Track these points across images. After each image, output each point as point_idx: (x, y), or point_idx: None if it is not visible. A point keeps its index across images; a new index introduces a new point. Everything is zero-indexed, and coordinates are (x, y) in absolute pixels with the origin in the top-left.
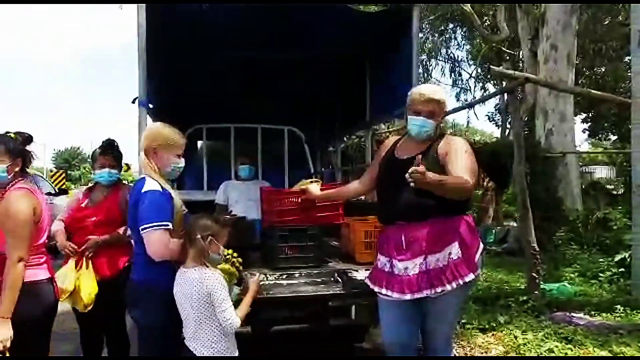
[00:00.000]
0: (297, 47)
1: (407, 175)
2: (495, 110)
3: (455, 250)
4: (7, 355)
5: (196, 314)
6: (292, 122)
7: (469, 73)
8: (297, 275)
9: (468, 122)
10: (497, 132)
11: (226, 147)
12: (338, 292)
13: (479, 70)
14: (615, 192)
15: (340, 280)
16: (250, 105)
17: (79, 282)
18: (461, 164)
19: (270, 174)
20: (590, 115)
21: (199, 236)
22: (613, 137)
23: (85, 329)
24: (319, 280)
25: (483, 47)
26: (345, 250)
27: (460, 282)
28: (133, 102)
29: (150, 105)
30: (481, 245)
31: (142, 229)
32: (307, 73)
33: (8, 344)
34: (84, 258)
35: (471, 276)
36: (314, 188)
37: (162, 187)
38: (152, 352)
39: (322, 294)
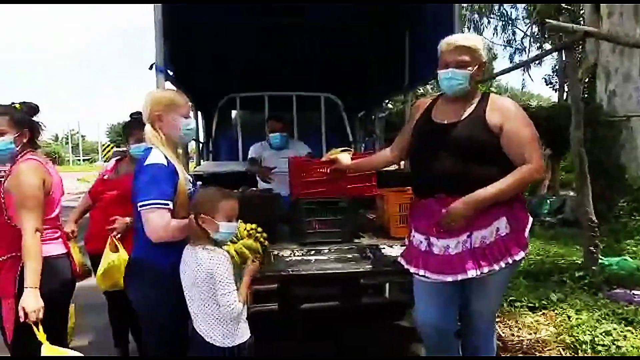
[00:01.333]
0: (332, 11)
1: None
2: (553, 72)
3: (503, 225)
4: (40, 326)
5: (200, 295)
6: (329, 89)
7: (523, 31)
8: (325, 251)
9: (523, 86)
10: (554, 97)
11: (261, 116)
12: (369, 269)
13: (535, 28)
14: None
15: (371, 256)
16: (285, 73)
17: (120, 262)
18: (524, 140)
19: (306, 144)
20: None
21: (191, 215)
22: None
23: (112, 303)
24: (349, 256)
25: (540, 4)
26: (379, 224)
27: (510, 260)
28: (150, 68)
29: (170, 73)
30: (530, 219)
31: (141, 206)
32: (342, 37)
33: (41, 315)
34: (115, 240)
35: (521, 254)
36: (344, 157)
37: (167, 161)
38: (154, 337)
39: (350, 272)
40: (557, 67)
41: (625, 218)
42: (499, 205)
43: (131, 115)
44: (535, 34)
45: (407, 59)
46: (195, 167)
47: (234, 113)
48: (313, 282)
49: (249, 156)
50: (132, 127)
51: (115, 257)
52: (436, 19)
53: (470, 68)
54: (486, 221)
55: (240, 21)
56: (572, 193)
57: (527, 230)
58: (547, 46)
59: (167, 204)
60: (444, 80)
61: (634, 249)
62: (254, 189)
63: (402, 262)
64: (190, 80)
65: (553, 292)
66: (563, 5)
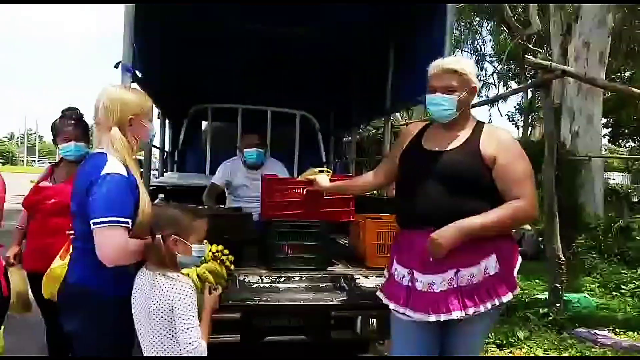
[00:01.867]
0: (315, 24)
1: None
2: (516, 110)
3: (492, 264)
4: None
5: (155, 330)
6: (305, 107)
7: (494, 67)
8: (296, 278)
9: (490, 121)
10: (516, 133)
11: (232, 130)
12: (343, 302)
13: (503, 67)
14: (635, 200)
15: (346, 287)
16: (261, 86)
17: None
18: (518, 174)
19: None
20: (610, 120)
21: (158, 236)
22: (632, 144)
23: (50, 325)
24: (322, 285)
25: (509, 44)
26: (354, 252)
27: (497, 302)
28: (116, 66)
29: (139, 74)
30: (520, 258)
31: (95, 223)
32: (324, 53)
33: None
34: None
35: (509, 296)
36: (323, 179)
37: (128, 171)
38: None
39: (323, 304)
40: (521, 104)
41: (583, 255)
42: (488, 241)
43: (63, 111)
44: (502, 71)
45: (389, 80)
46: (158, 178)
47: (204, 124)
48: (281, 313)
49: (213, 180)
50: (61, 125)
51: (60, 264)
52: (424, 39)
53: (458, 93)
54: (474, 259)
55: (218, 27)
56: (528, 226)
57: (516, 269)
58: (513, 84)
59: (128, 222)
60: (430, 105)
61: (591, 286)
62: (222, 206)
63: (382, 296)
64: (160, 84)
65: (519, 329)
66: (530, 47)
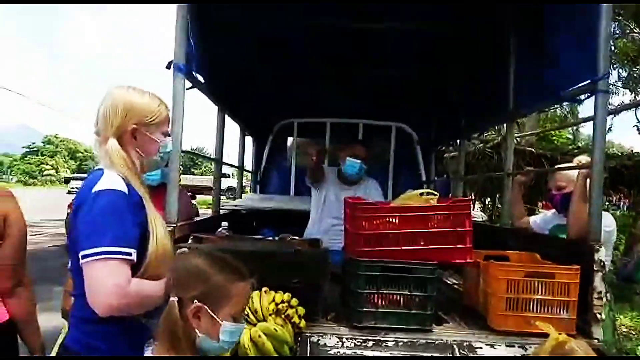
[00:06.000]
0: (411, 16)
1: None
2: None
3: None
4: None
5: None
6: (401, 118)
7: (619, 73)
8: (390, 343)
9: (610, 130)
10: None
11: (319, 146)
12: None
13: (631, 70)
14: None
15: None
16: (350, 96)
17: None
18: None
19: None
20: None
21: (173, 299)
22: None
23: None
24: (427, 357)
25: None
26: (470, 302)
27: None
28: (168, 67)
29: (200, 78)
30: None
31: (83, 257)
32: (423, 47)
33: None
34: None
35: None
36: None
37: (128, 188)
38: None
39: None
40: None
41: None
42: None
43: None
44: (623, 76)
45: (511, 74)
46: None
47: (289, 140)
48: None
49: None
50: None
51: None
52: (561, 13)
53: None
54: None
55: (298, 23)
56: None
57: None
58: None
59: (128, 254)
60: None
61: None
62: (296, 237)
63: None
64: (233, 94)
65: None
66: None
